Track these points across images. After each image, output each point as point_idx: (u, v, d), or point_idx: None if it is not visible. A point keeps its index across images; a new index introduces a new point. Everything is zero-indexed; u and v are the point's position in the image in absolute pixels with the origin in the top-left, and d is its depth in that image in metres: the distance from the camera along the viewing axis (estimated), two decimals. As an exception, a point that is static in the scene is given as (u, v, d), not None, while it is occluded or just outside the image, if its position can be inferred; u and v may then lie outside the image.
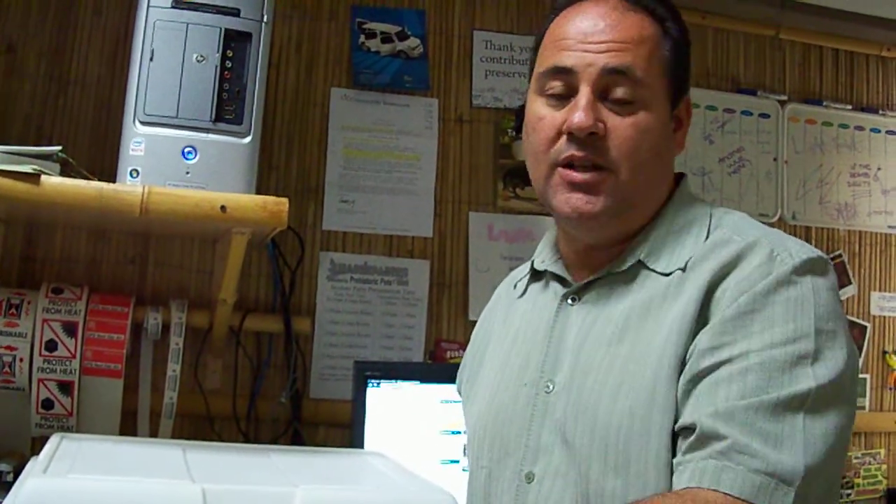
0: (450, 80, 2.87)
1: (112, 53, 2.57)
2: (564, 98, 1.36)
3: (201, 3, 2.06)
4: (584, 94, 1.33)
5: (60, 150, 2.05)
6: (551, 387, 1.37)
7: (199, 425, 2.49)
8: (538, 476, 1.35)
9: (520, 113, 1.49)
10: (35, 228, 2.47)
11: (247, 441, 2.47)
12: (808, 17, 3.18)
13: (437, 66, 2.86)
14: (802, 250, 1.30)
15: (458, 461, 2.33)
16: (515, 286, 1.61)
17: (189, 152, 2.03)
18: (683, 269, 1.33)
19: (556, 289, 1.47)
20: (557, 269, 1.47)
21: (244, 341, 2.55)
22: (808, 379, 1.18)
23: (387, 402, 2.34)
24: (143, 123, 2.03)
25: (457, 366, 2.64)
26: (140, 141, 2.03)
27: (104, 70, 2.57)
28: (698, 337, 1.24)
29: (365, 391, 2.33)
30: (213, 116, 2.04)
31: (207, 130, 2.04)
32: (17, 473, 1.86)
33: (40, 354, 2.23)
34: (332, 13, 2.78)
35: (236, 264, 2.18)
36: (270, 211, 2.01)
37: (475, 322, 2.70)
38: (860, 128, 3.32)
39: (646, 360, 1.27)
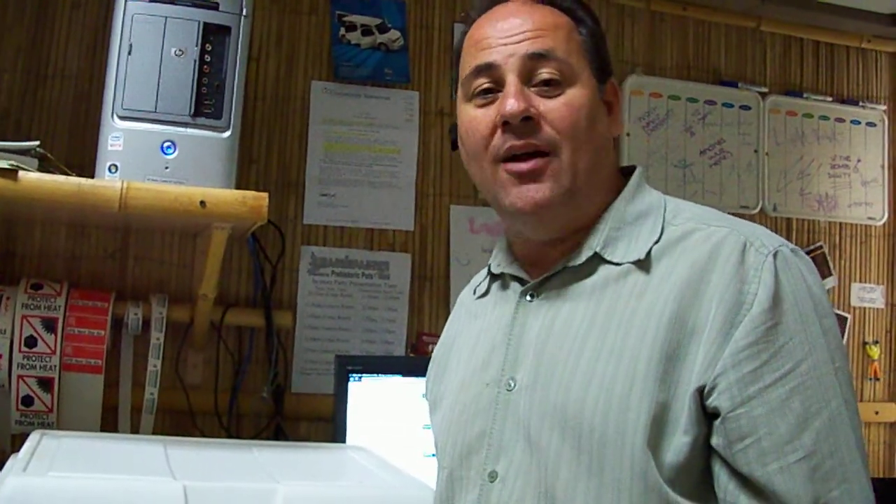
0: (430, 73, 2.87)
1: (91, 46, 2.55)
2: (492, 93, 1.36)
3: (179, -4, 2.05)
4: (511, 82, 1.33)
5: (38, 146, 2.04)
6: (513, 384, 1.35)
7: (180, 421, 2.47)
8: (501, 475, 1.34)
9: (453, 130, 1.49)
10: (13, 224, 2.45)
11: (229, 436, 2.46)
12: (788, 9, 3.19)
13: (417, 59, 2.86)
14: (772, 239, 1.29)
15: (440, 455, 2.33)
16: (475, 290, 1.59)
17: (168, 147, 2.02)
18: (644, 260, 1.31)
19: (515, 287, 1.45)
20: (514, 269, 1.46)
21: (225, 336, 2.54)
22: (837, 395, 1.20)
23: (368, 396, 2.34)
24: (121, 118, 2.02)
25: (438, 359, 2.66)
26: (118, 136, 2.02)
27: (83, 63, 2.55)
28: (716, 370, 1.20)
29: (346, 385, 2.33)
30: (192, 111, 2.03)
31: (186, 125, 2.03)
32: (-4, 471, 1.86)
33: (20, 351, 2.21)
34: (312, 6, 2.77)
35: (217, 259, 2.17)
36: (250, 206, 2.00)
37: (458, 315, 2.72)
38: (840, 119, 3.34)
39: (618, 359, 1.26)
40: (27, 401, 2.22)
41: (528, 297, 1.41)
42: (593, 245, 1.35)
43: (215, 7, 2.06)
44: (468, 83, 1.39)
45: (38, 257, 2.47)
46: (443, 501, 1.46)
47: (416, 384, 2.35)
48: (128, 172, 2.01)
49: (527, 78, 1.34)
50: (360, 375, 2.33)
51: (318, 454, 2.04)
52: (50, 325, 2.24)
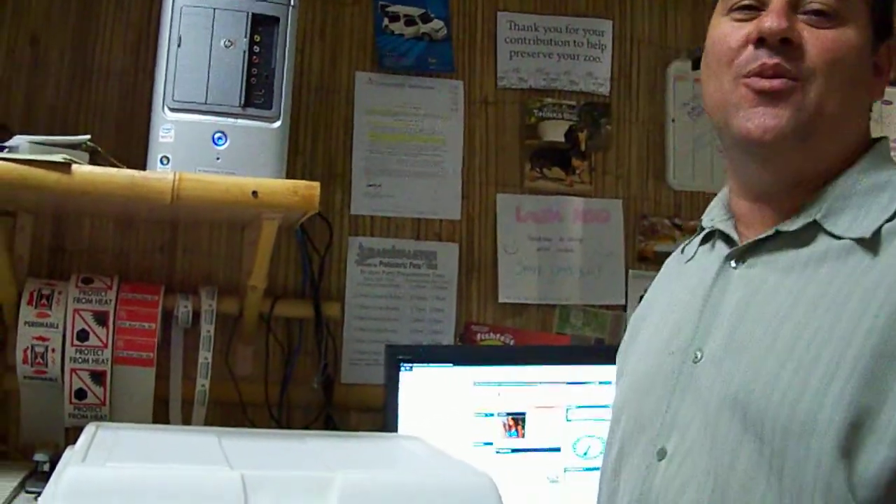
0: (474, 62, 2.85)
1: (135, 43, 2.57)
2: (753, 10, 1.25)
3: (227, -13, 2.05)
4: (777, 0, 1.22)
5: (89, 139, 2.05)
6: (699, 356, 1.25)
7: (231, 412, 2.48)
8: (670, 453, 1.23)
9: (698, 49, 1.40)
10: (63, 219, 2.47)
11: (279, 427, 2.47)
12: None
13: (461, 48, 2.84)
14: None
15: (491, 443, 2.33)
16: (684, 250, 1.49)
17: (219, 138, 2.02)
18: (870, 238, 1.17)
19: (721, 249, 1.34)
20: (725, 227, 1.35)
21: (274, 327, 2.54)
22: None
23: (419, 385, 2.33)
24: (172, 110, 2.02)
25: (489, 348, 2.66)
26: (169, 127, 2.02)
27: (128, 60, 2.57)
28: None
29: (398, 375, 2.32)
30: (243, 102, 2.03)
31: (237, 116, 2.03)
32: (52, 464, 1.87)
33: (72, 344, 2.22)
34: (356, -4, 2.77)
35: (266, 250, 2.17)
36: (302, 195, 2.00)
37: (505, 304, 2.74)
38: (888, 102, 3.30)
39: (820, 346, 1.12)
40: (80, 394, 2.24)
41: (733, 263, 1.31)
42: (813, 212, 1.23)
43: (264, -3, 2.07)
44: None
45: (87, 252, 2.49)
46: (609, 479, 1.38)
47: (467, 373, 2.35)
48: (179, 164, 2.01)
49: (795, 3, 1.22)
50: (410, 365, 2.33)
51: (372, 443, 2.03)
52: (101, 319, 2.25)
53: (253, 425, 2.45)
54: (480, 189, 2.81)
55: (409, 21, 2.79)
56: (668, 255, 1.58)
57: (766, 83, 1.21)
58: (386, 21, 2.77)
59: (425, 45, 2.79)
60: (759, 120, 1.21)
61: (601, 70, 2.95)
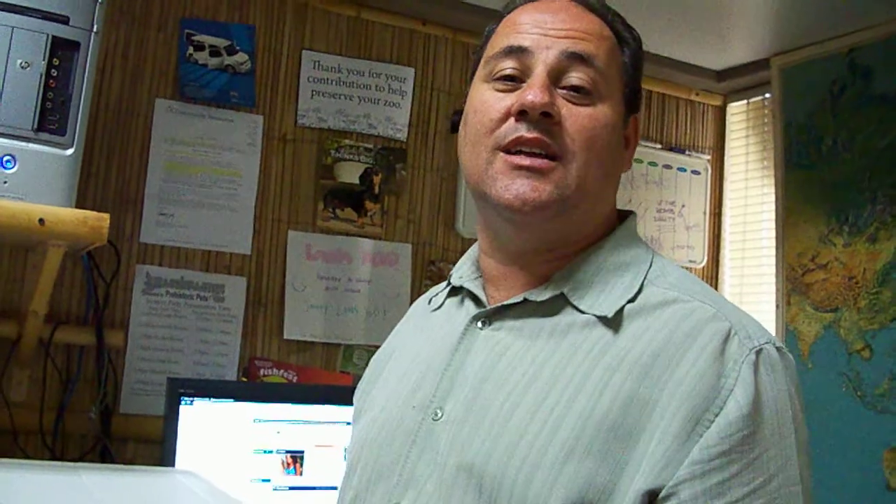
0: (276, 98, 2.87)
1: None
2: (515, 81, 1.26)
3: (28, 7, 1.98)
4: (539, 73, 1.23)
5: None
6: (439, 414, 1.23)
7: (2, 440, 2.40)
8: None
9: (457, 113, 1.38)
10: None
11: (53, 457, 2.41)
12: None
13: (263, 84, 2.86)
14: (759, 332, 1.17)
15: (269, 480, 2.34)
16: (431, 301, 1.47)
17: (8, 161, 1.96)
18: (613, 318, 1.20)
19: (469, 308, 1.34)
20: (474, 286, 1.34)
21: (54, 353, 2.48)
22: None
23: (199, 419, 2.32)
24: (-40, 129, 1.96)
25: (270, 385, 2.67)
26: (-44, 147, 1.96)
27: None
28: (679, 476, 1.07)
29: (178, 408, 2.30)
30: (36, 125, 1.97)
31: (28, 139, 1.97)
32: None
33: None
34: (161, 22, 2.73)
35: (50, 276, 2.12)
36: (91, 226, 1.96)
37: (290, 341, 2.74)
38: (668, 166, 3.48)
39: (557, 422, 1.13)
40: None
41: (479, 325, 1.29)
42: (561, 285, 1.25)
43: (65, 21, 2.01)
44: (492, 63, 1.28)
45: None
46: None
47: (247, 409, 2.36)
48: (-37, 185, 1.95)
49: (556, 77, 1.24)
50: (191, 399, 2.31)
51: (147, 478, 2.01)
52: None
53: (25, 454, 2.38)
54: (272, 225, 2.83)
55: (214, 52, 2.78)
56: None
57: (525, 160, 1.21)
58: (190, 50, 2.75)
59: (228, 77, 2.79)
60: (519, 190, 1.21)
61: (400, 116, 3.01)
